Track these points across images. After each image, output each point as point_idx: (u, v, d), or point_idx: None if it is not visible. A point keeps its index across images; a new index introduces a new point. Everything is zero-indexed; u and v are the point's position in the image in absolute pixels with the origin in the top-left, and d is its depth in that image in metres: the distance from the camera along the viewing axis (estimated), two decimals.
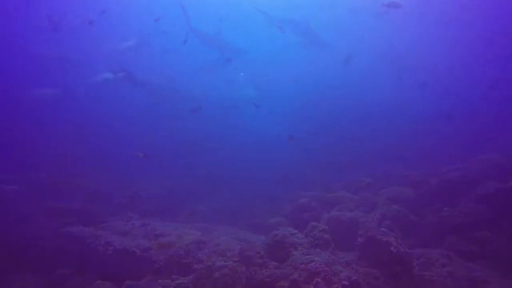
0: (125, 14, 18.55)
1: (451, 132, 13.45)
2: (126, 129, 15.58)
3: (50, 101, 13.38)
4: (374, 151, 13.28)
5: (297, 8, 18.04)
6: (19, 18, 15.53)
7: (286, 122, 15.60)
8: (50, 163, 12.60)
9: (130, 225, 9.84)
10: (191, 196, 11.79)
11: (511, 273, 6.84)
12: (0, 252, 8.08)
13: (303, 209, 10.71)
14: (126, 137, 15.20)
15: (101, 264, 8.16)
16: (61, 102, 14.06)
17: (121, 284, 7.23)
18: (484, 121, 13.67)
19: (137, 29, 16.50)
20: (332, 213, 9.84)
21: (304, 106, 16.22)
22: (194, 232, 9.12)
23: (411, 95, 15.78)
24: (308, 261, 6.22)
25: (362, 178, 10.99)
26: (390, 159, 12.98)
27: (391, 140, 13.79)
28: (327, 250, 7.04)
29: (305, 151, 13.98)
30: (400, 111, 14.77)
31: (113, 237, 8.91)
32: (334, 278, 5.83)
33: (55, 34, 10.15)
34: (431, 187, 10.44)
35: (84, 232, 9.04)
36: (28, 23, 15.23)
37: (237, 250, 7.07)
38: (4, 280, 7.54)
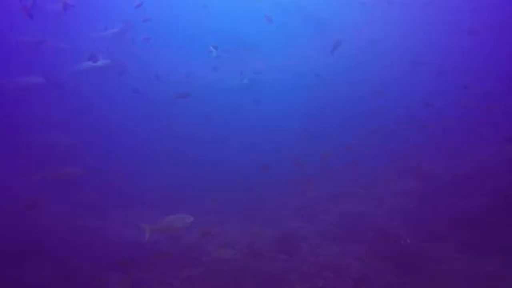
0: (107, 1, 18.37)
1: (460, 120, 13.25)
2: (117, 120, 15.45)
3: (34, 90, 13.26)
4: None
5: None
6: None
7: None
8: (42, 153, 12.65)
9: (139, 217, 9.90)
10: (196, 188, 11.79)
11: None
12: (13, 246, 8.20)
13: (312, 203, 10.65)
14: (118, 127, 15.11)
15: (112, 256, 8.24)
16: (46, 91, 13.93)
17: (132, 276, 7.30)
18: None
19: (120, 16, 16.21)
20: (341, 207, 9.77)
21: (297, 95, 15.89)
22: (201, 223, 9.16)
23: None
24: (318, 254, 6.19)
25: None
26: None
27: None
28: (337, 244, 6.99)
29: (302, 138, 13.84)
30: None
31: (123, 230, 9.01)
32: (344, 271, 5.78)
33: (34, 21, 9.88)
34: (443, 180, 10.27)
35: (95, 225, 9.15)
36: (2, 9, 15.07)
37: (245, 243, 7.06)
38: (20, 274, 7.66)
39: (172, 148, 14.33)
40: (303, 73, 15.77)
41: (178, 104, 13.09)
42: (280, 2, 18.09)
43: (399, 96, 14.17)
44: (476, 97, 12.95)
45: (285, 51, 17.77)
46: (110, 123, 15.11)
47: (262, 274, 6.89)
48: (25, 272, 7.56)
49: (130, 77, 14.99)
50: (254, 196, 11.02)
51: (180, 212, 6.54)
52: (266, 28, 15.28)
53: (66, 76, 15.11)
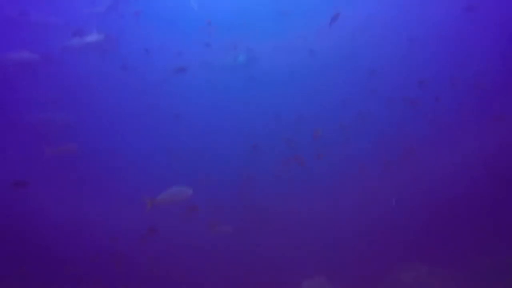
0: None
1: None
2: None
3: (27, 66, 12.88)
4: None
5: None
6: None
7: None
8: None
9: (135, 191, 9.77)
10: (188, 165, 11.66)
11: None
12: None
13: (304, 183, 10.57)
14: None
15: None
16: (39, 67, 13.55)
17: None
18: None
19: None
20: (333, 186, 9.70)
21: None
22: None
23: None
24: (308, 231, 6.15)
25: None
26: None
27: None
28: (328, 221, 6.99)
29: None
30: None
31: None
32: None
33: None
34: (436, 160, 10.25)
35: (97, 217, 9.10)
36: None
37: (236, 219, 7.00)
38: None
39: (164, 125, 14.14)
40: (298, 50, 15.49)
41: (170, 81, 12.78)
42: None
43: (394, 75, 14.01)
44: (470, 76, 12.82)
45: (280, 29, 17.38)
46: (102, 99, 14.83)
47: (252, 250, 6.92)
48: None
49: (121, 53, 14.59)
50: (245, 174, 10.95)
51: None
52: (262, 3, 14.92)
53: (56, 52, 14.69)
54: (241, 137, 12.66)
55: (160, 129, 14.03)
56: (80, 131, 13.15)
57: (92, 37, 13.53)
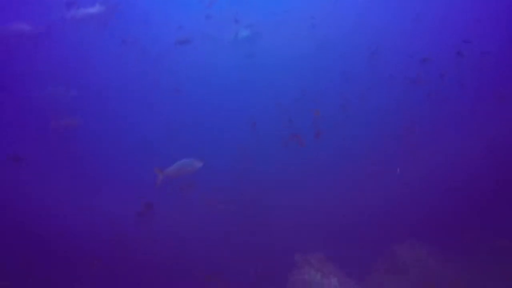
0: None
1: None
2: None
3: (27, 39, 12.50)
4: None
5: None
6: None
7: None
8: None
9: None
10: (187, 142, 11.57)
11: None
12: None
13: (303, 160, 10.50)
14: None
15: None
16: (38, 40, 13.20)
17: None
18: None
19: None
20: (333, 165, 9.62)
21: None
22: None
23: None
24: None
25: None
26: None
27: None
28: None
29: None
30: None
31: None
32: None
33: None
34: (438, 140, 10.15)
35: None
36: None
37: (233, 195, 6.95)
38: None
39: (163, 101, 13.95)
40: (300, 28, 15.09)
41: (171, 55, 12.47)
42: None
43: (397, 52, 13.68)
44: (474, 54, 12.50)
45: (282, 3, 16.88)
46: (102, 73, 14.59)
47: (250, 227, 6.91)
48: None
49: (122, 26, 14.20)
50: (244, 151, 10.87)
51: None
52: None
53: (56, 25, 14.32)
54: (241, 114, 12.51)
55: (160, 104, 13.86)
56: (81, 105, 13.00)
57: (93, 9, 13.13)
